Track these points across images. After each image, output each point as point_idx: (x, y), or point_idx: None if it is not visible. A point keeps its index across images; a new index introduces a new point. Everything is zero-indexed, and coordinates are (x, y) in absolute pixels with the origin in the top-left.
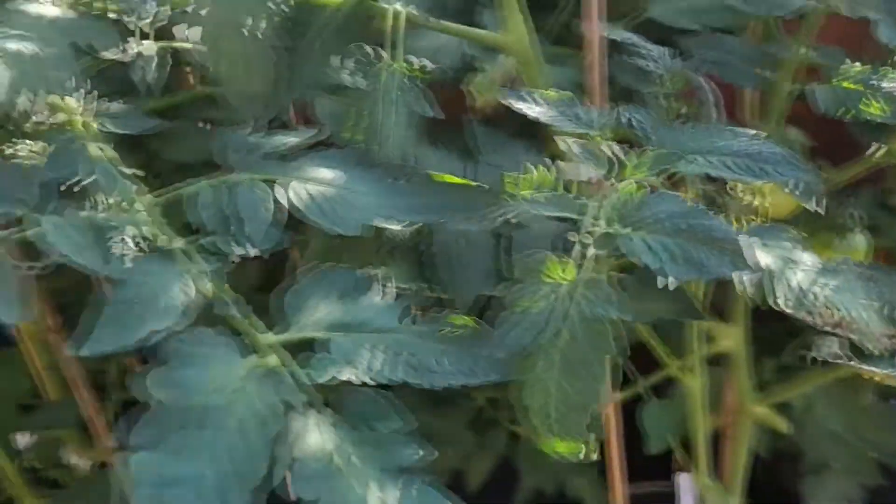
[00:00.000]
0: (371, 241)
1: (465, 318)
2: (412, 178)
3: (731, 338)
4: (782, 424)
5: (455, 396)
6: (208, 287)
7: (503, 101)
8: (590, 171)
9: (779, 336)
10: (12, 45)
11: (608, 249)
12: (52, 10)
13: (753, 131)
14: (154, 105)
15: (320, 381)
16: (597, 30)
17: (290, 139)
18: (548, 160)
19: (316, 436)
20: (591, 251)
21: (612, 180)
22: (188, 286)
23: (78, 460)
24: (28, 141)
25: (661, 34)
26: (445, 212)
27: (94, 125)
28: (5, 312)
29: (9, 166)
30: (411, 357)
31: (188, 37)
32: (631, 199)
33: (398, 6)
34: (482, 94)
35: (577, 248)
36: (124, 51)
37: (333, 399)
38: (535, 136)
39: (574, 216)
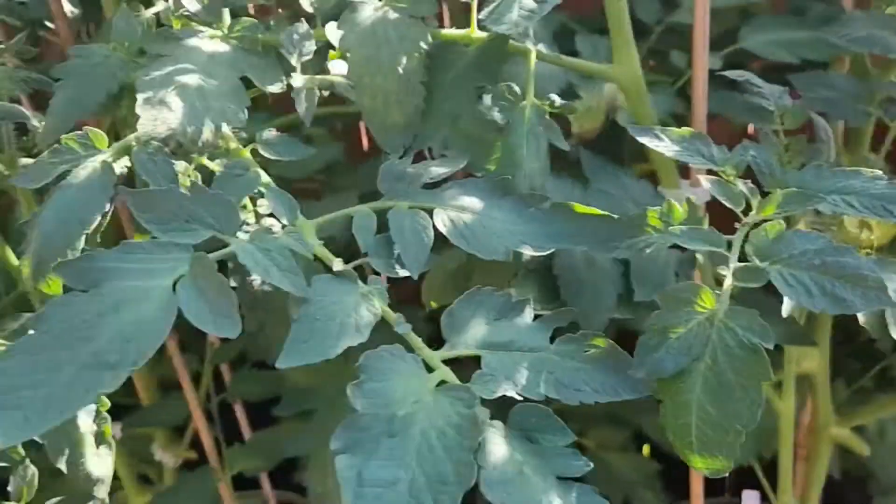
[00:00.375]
0: (501, 263)
1: (600, 339)
2: (545, 206)
3: (814, 360)
4: (862, 447)
5: None
6: (378, 306)
7: (636, 137)
8: (690, 194)
9: (849, 359)
10: (184, 79)
11: (749, 281)
12: (218, 46)
13: (872, 171)
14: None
15: (485, 396)
16: (703, 63)
17: (435, 169)
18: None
19: (496, 446)
20: (730, 282)
21: (743, 216)
22: (363, 305)
23: (164, 456)
24: (173, 162)
25: (746, 63)
26: (578, 239)
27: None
28: (228, 328)
29: (202, 191)
30: (551, 375)
31: (335, 71)
32: (769, 235)
33: (531, 45)
34: (582, 121)
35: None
36: (280, 83)
37: (496, 412)
38: (621, 156)
39: (716, 249)
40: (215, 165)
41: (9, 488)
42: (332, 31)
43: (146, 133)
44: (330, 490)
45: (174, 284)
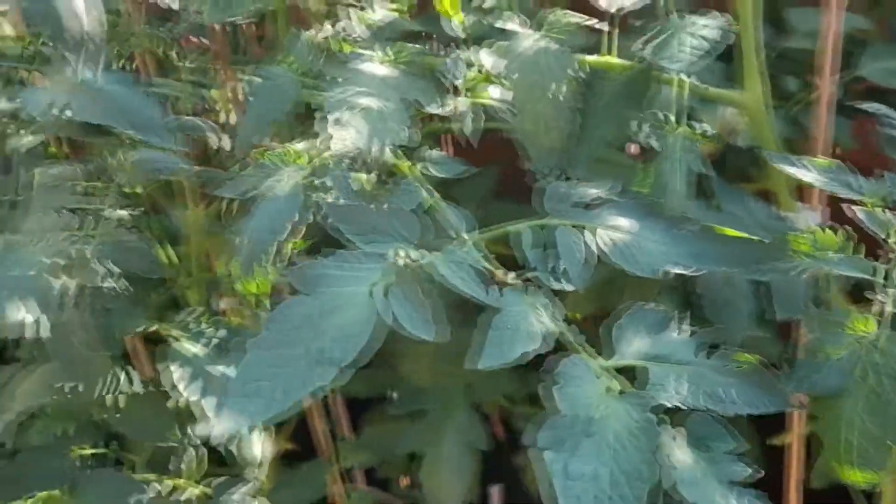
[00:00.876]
0: (646, 280)
1: (746, 355)
2: (694, 228)
3: None
4: None
5: None
6: (551, 317)
7: (779, 166)
8: (809, 218)
9: None
10: (364, 101)
11: None
12: (382, 70)
13: None
14: None
15: (660, 403)
16: (828, 90)
17: (591, 190)
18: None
19: (681, 450)
20: (889, 308)
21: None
22: (542, 316)
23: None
24: None
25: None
26: (723, 261)
27: (418, 169)
28: (430, 330)
29: (395, 207)
30: (708, 387)
31: (492, 95)
32: None
33: (683, 76)
34: (702, 145)
35: (877, 304)
36: (443, 105)
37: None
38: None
39: (866, 276)
40: (366, 179)
41: (170, 466)
42: (487, 58)
43: (339, 151)
44: (440, 486)
45: (385, 291)
